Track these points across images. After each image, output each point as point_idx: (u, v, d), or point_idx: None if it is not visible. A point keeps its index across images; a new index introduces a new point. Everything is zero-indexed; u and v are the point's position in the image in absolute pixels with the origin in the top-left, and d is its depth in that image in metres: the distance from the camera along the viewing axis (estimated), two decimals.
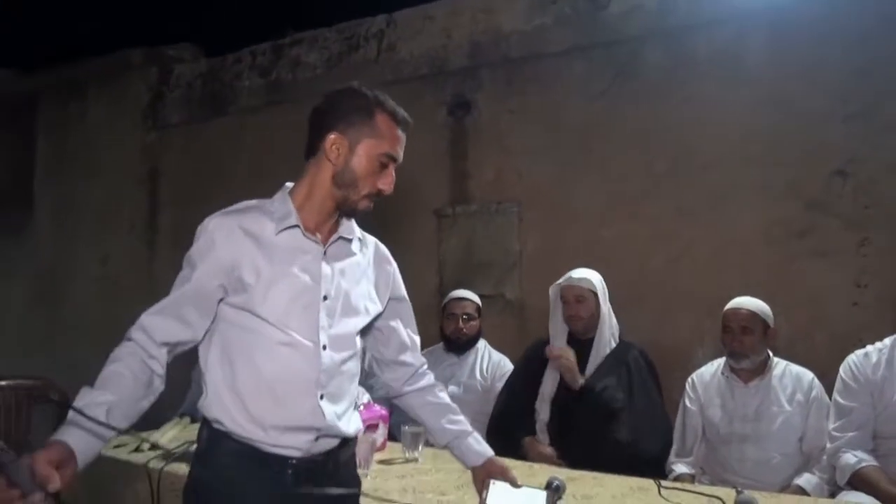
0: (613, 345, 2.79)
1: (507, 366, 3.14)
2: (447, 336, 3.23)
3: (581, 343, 2.78)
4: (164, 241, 4.98)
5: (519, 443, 2.73)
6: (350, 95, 1.46)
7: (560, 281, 2.85)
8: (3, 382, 3.05)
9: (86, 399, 1.27)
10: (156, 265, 4.96)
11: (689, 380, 2.72)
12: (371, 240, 1.62)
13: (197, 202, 4.72)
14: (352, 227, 1.53)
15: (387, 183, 1.45)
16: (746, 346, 2.53)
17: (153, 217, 5.07)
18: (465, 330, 3.19)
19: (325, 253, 1.47)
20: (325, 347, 1.44)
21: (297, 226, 1.44)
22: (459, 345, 3.20)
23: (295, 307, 1.42)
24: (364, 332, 1.57)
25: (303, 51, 4.52)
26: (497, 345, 3.30)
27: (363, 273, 1.54)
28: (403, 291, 1.66)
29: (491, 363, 3.19)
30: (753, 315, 2.54)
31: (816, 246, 3.01)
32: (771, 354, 2.60)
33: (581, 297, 2.77)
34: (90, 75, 5.34)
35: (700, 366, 2.77)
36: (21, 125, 5.68)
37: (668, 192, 3.33)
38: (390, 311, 1.63)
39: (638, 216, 3.38)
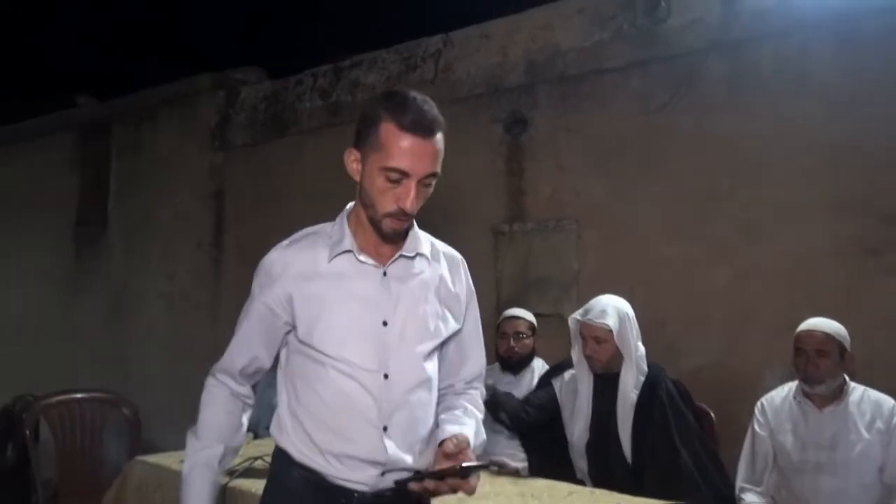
0: (641, 380, 2.56)
1: None
2: (500, 355, 3.21)
3: (604, 378, 2.60)
4: (229, 258, 5.13)
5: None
6: (368, 104, 1.37)
7: (578, 315, 2.63)
8: (79, 395, 3.18)
9: (198, 455, 1.44)
10: (221, 282, 5.10)
11: (759, 404, 2.60)
12: (443, 250, 1.50)
13: (259, 221, 4.85)
14: (416, 243, 1.42)
15: (403, 200, 1.29)
16: (822, 371, 2.41)
17: (219, 235, 5.23)
18: (517, 349, 3.16)
19: (384, 274, 1.39)
20: (386, 377, 1.35)
21: (349, 251, 1.38)
22: (513, 364, 3.17)
23: (352, 336, 1.35)
24: (439, 352, 1.46)
25: (362, 72, 4.61)
26: (554, 364, 3.25)
27: (432, 290, 1.43)
28: (473, 312, 1.53)
29: None
30: (829, 337, 2.43)
31: (893, 263, 2.87)
32: (847, 379, 2.47)
33: (600, 339, 2.54)
34: (161, 100, 5.58)
35: (769, 389, 2.66)
36: (97, 149, 5.97)
37: (731, 208, 3.23)
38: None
39: (700, 233, 3.29)
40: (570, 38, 3.74)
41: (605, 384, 2.60)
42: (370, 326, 1.36)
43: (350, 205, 1.45)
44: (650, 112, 3.48)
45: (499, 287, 3.87)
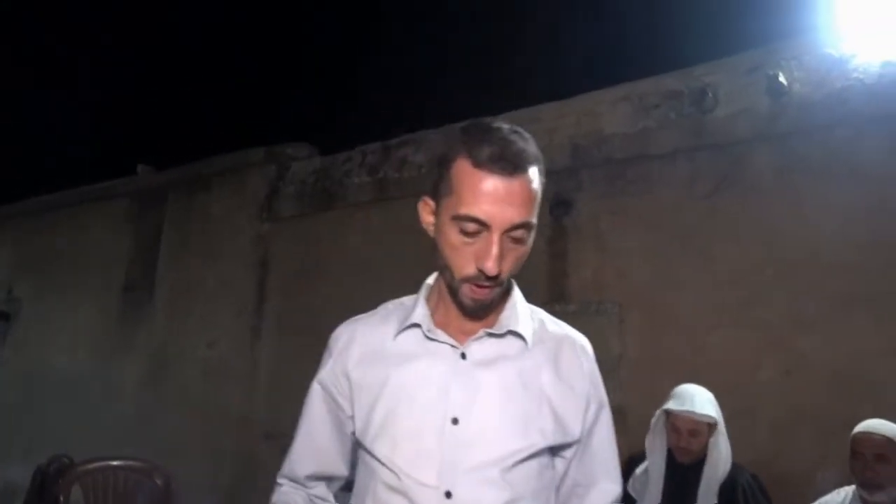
0: (721, 473, 2.45)
1: None
2: None
3: (684, 469, 2.49)
4: (268, 327, 5.16)
5: None
6: (446, 143, 1.09)
7: (670, 406, 2.47)
8: (115, 463, 3.17)
9: None
10: (258, 351, 5.13)
11: None
12: (554, 330, 1.17)
13: (301, 292, 4.90)
14: (514, 317, 1.11)
15: (483, 259, 0.99)
16: (882, 477, 2.26)
17: (260, 304, 5.29)
18: None
19: (462, 357, 1.08)
20: (448, 495, 1.02)
21: (417, 325, 1.10)
22: None
23: (408, 437, 1.05)
24: (545, 468, 1.09)
25: (410, 151, 4.72)
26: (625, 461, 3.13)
27: (531, 380, 1.09)
28: (605, 417, 1.17)
29: None
30: (889, 441, 2.29)
31: None
32: None
33: (696, 432, 2.44)
34: (215, 171, 5.79)
35: (822, 492, 2.51)
36: (151, 215, 6.18)
37: (780, 298, 3.15)
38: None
39: (747, 323, 3.20)
40: (616, 124, 3.79)
41: (681, 474, 2.50)
42: (434, 425, 1.05)
43: (434, 274, 1.18)
44: (696, 198, 3.46)
45: None
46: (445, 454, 1.04)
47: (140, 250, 6.20)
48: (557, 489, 1.13)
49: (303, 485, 1.20)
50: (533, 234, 1.05)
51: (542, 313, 1.19)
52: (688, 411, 2.44)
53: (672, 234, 3.51)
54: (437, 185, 1.06)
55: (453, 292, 1.07)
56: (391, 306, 1.20)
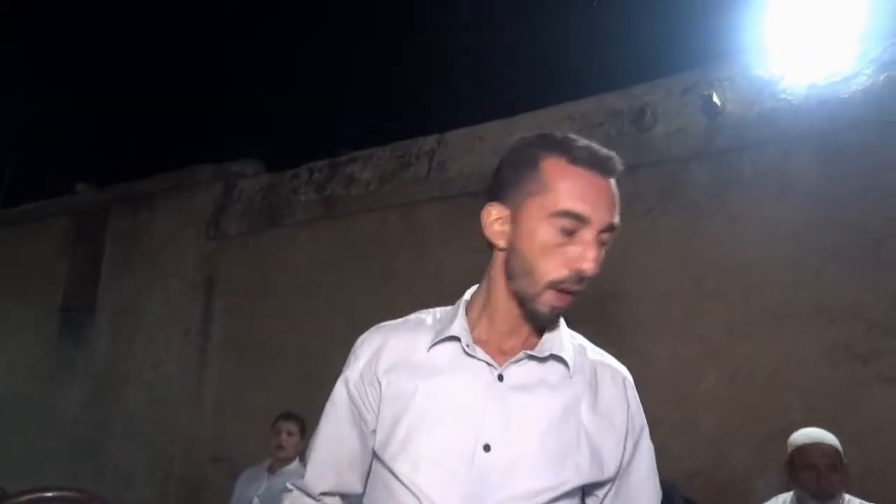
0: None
1: None
2: None
3: None
4: (215, 348, 5.06)
5: None
6: (514, 149, 1.03)
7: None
8: (49, 494, 3.05)
9: None
10: (205, 372, 5.02)
11: None
12: (596, 359, 1.10)
13: (249, 311, 4.83)
14: (558, 341, 1.05)
15: (581, 260, 0.96)
16: (835, 486, 2.33)
17: (207, 324, 5.19)
18: None
19: (500, 378, 1.01)
20: None
21: (456, 338, 1.03)
22: None
23: (435, 460, 0.98)
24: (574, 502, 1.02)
25: (357, 168, 4.73)
26: None
27: (570, 410, 1.02)
28: (645, 452, 1.08)
29: None
30: (837, 451, 2.36)
31: (884, 371, 2.87)
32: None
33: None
34: (159, 189, 5.68)
35: (762, 498, 2.59)
36: (92, 235, 6.01)
37: (718, 310, 3.26)
38: (622, 484, 1.04)
39: (687, 335, 3.30)
40: None
41: None
42: (464, 449, 0.97)
43: (472, 289, 1.12)
44: (636, 215, 3.56)
45: None
46: (474, 482, 0.96)
47: (79, 270, 6.02)
48: None
49: (316, 500, 1.12)
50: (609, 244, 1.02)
51: (582, 339, 1.13)
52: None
53: (614, 250, 3.57)
54: (516, 186, 1.00)
55: (529, 301, 1.00)
56: (423, 315, 1.12)
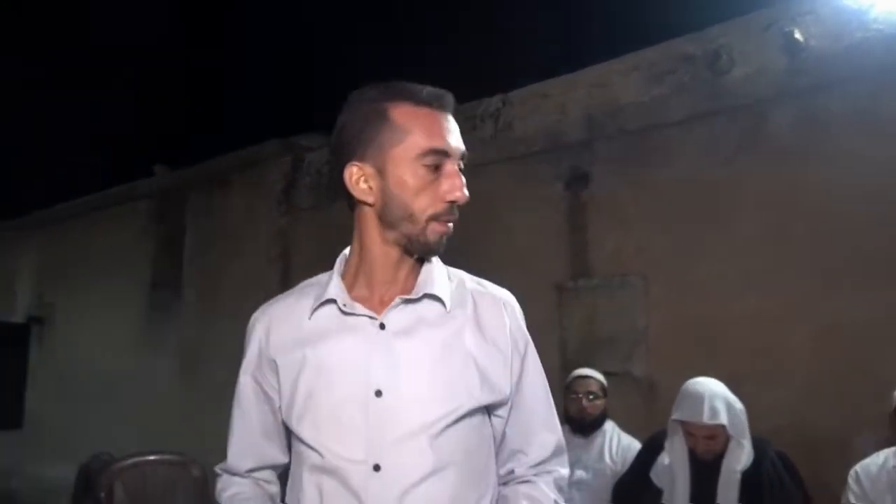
0: (745, 459, 2.29)
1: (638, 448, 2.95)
2: (571, 416, 3.10)
3: (708, 464, 2.34)
4: None
5: None
6: (352, 109, 1.07)
7: (679, 416, 2.33)
8: (152, 457, 3.22)
9: None
10: None
11: (853, 472, 2.39)
12: (475, 289, 1.13)
13: None
14: (430, 281, 1.09)
15: (452, 190, 1.04)
16: None
17: None
18: (589, 410, 3.05)
19: (381, 327, 1.06)
20: (377, 468, 1.01)
21: (332, 300, 1.08)
22: (584, 426, 3.06)
23: (333, 416, 1.04)
24: (482, 428, 1.09)
25: None
26: (625, 426, 3.12)
27: (454, 342, 1.07)
28: (532, 366, 1.14)
29: (620, 446, 3.01)
30: None
31: None
32: None
33: (714, 436, 2.29)
34: (232, 167, 5.82)
35: (859, 455, 2.46)
36: (173, 215, 6.25)
37: (808, 257, 3.09)
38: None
39: (775, 287, 3.15)
40: (629, 93, 3.73)
41: (706, 467, 2.36)
42: (357, 399, 1.03)
43: (345, 251, 1.16)
44: (715, 164, 3.41)
45: (563, 346, 3.78)
46: (371, 427, 1.02)
47: (164, 249, 6.28)
48: (498, 450, 1.13)
49: (243, 477, 1.18)
50: None
51: (461, 274, 1.16)
52: (696, 421, 2.29)
53: (692, 202, 3.45)
54: (371, 142, 1.04)
55: (416, 241, 1.06)
56: (303, 285, 1.18)
